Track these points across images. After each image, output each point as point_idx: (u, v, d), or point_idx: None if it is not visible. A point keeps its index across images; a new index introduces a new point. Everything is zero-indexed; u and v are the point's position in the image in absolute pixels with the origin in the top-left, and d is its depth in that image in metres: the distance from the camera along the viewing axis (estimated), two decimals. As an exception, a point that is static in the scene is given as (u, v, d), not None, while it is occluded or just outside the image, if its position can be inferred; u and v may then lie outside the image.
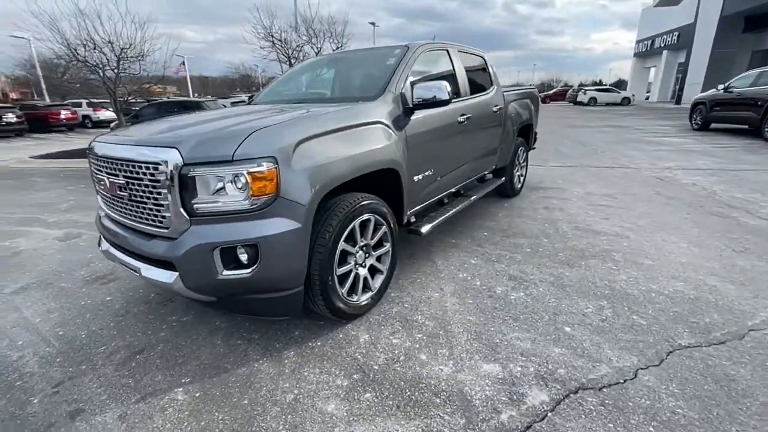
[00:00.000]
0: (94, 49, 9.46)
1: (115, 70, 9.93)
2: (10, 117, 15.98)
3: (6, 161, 9.49)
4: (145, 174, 1.74)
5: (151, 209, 1.78)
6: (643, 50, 34.16)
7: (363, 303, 2.27)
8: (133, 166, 1.78)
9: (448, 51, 3.24)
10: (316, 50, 13.96)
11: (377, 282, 2.40)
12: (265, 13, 19.04)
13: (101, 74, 9.90)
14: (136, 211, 1.87)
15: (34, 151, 11.09)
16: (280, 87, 3.55)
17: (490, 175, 4.26)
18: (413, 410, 1.60)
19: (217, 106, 10.74)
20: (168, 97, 22.83)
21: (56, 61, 12.06)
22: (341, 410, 1.61)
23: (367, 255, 2.31)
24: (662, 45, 30.50)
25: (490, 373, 1.79)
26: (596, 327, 2.12)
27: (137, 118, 10.25)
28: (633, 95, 30.73)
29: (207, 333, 2.20)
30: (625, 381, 1.71)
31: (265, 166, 1.65)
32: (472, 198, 3.51)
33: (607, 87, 33.13)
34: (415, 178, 2.68)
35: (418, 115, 2.63)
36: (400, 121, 2.46)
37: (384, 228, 2.35)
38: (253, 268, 1.72)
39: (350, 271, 2.17)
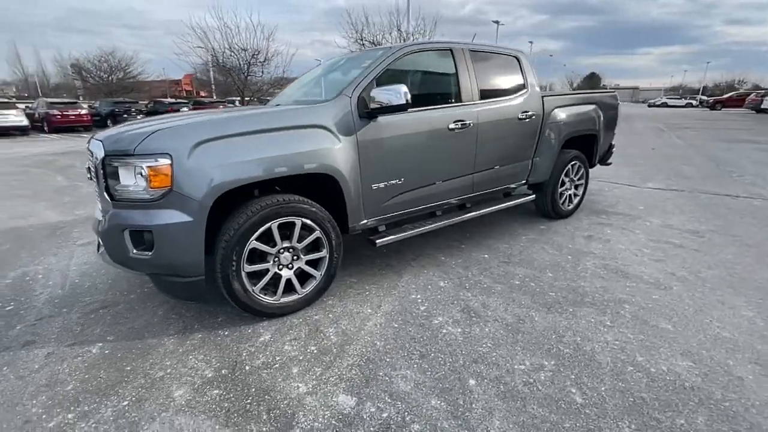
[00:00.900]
0: (231, 55, 11.41)
1: (244, 74, 11.81)
2: (185, 109, 20.54)
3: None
4: (92, 163, 2.10)
5: (99, 193, 2.14)
6: None
7: (283, 304, 2.29)
8: (90, 156, 2.16)
9: (452, 51, 2.95)
10: None
11: (308, 287, 2.39)
12: (357, 17, 20.02)
13: (235, 77, 11.90)
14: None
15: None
16: (291, 89, 3.73)
17: (528, 190, 3.73)
18: (236, 418, 1.58)
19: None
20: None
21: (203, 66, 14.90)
22: (183, 398, 1.70)
23: (295, 258, 2.32)
24: None
25: (338, 405, 1.64)
26: (509, 390, 1.72)
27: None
28: None
29: (159, 303, 2.53)
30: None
31: (160, 162, 1.83)
32: (455, 219, 3.09)
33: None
34: (374, 186, 2.55)
35: (383, 120, 2.50)
36: (350, 126, 2.37)
37: (318, 233, 2.32)
38: (152, 252, 1.92)
39: (267, 270, 2.22)
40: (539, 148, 3.60)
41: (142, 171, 1.84)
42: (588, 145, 4.17)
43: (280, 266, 2.27)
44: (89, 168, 2.39)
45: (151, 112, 17.00)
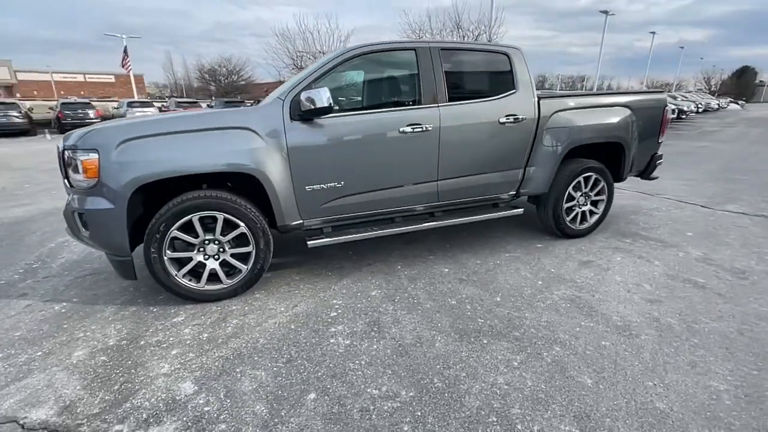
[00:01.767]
0: (309, 58, 12.31)
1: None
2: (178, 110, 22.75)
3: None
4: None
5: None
6: None
7: (206, 291, 2.48)
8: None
9: (416, 51, 2.79)
10: None
11: (235, 279, 2.54)
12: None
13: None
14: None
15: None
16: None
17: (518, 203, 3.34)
18: (96, 383, 1.80)
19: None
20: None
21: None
22: (77, 358, 1.98)
23: (221, 250, 2.49)
24: None
25: (177, 390, 1.74)
26: (340, 413, 1.61)
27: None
28: None
29: (140, 275, 2.93)
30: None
31: (89, 156, 2.15)
32: (412, 227, 2.92)
33: None
34: (308, 188, 2.58)
35: (325, 122, 2.51)
36: (278, 129, 2.44)
37: (243, 229, 2.45)
38: (89, 231, 2.28)
39: (190, 258, 2.43)
40: (534, 156, 3.18)
41: (79, 163, 2.19)
42: (613, 155, 3.53)
43: (207, 256, 2.47)
44: None
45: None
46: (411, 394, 1.72)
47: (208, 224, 2.42)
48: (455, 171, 2.95)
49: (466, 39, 15.19)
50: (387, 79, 2.97)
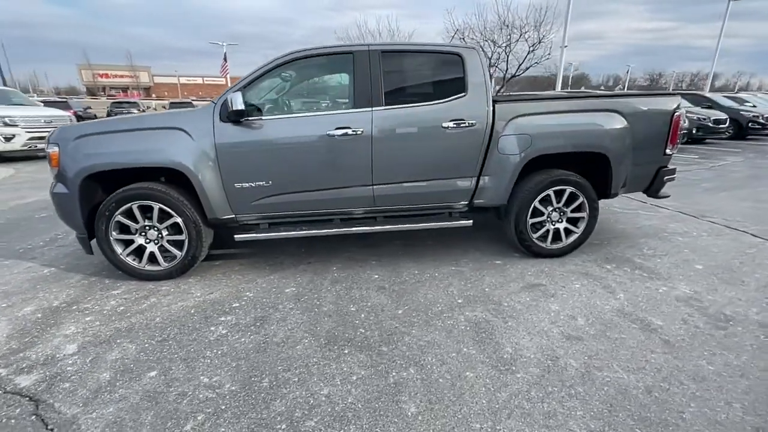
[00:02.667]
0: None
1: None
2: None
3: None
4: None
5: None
6: None
7: (146, 271, 2.82)
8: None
9: (353, 54, 2.77)
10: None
11: (172, 263, 2.84)
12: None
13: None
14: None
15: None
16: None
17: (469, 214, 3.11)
18: (15, 336, 2.20)
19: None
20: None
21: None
22: (21, 311, 2.43)
23: (159, 236, 2.81)
24: None
25: (55, 350, 2.05)
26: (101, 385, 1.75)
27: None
28: None
29: (115, 252, 3.45)
30: None
31: (53, 149, 2.62)
32: (343, 230, 2.93)
33: None
34: (237, 185, 2.76)
35: (255, 124, 2.67)
36: (208, 129, 2.65)
37: (176, 219, 2.74)
38: (58, 211, 2.76)
39: (132, 241, 2.78)
40: (488, 164, 2.93)
41: (48, 155, 2.67)
42: (598, 166, 3.06)
43: (147, 240, 2.81)
44: None
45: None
46: (233, 388, 1.78)
47: (151, 213, 2.75)
48: (392, 177, 2.87)
49: (511, 37, 14.87)
50: (322, 83, 3.01)
